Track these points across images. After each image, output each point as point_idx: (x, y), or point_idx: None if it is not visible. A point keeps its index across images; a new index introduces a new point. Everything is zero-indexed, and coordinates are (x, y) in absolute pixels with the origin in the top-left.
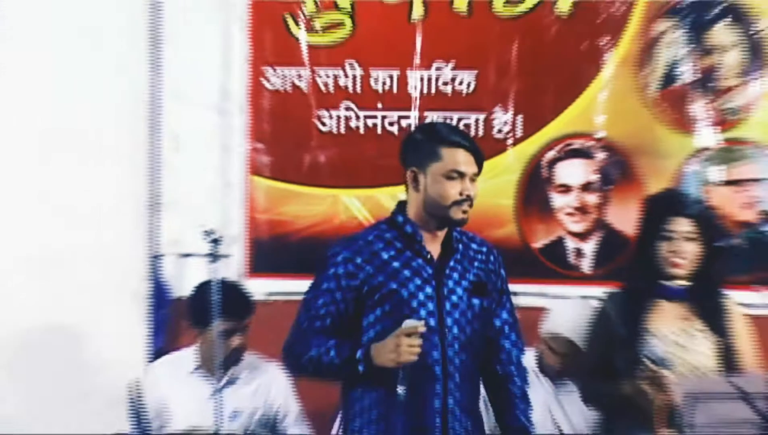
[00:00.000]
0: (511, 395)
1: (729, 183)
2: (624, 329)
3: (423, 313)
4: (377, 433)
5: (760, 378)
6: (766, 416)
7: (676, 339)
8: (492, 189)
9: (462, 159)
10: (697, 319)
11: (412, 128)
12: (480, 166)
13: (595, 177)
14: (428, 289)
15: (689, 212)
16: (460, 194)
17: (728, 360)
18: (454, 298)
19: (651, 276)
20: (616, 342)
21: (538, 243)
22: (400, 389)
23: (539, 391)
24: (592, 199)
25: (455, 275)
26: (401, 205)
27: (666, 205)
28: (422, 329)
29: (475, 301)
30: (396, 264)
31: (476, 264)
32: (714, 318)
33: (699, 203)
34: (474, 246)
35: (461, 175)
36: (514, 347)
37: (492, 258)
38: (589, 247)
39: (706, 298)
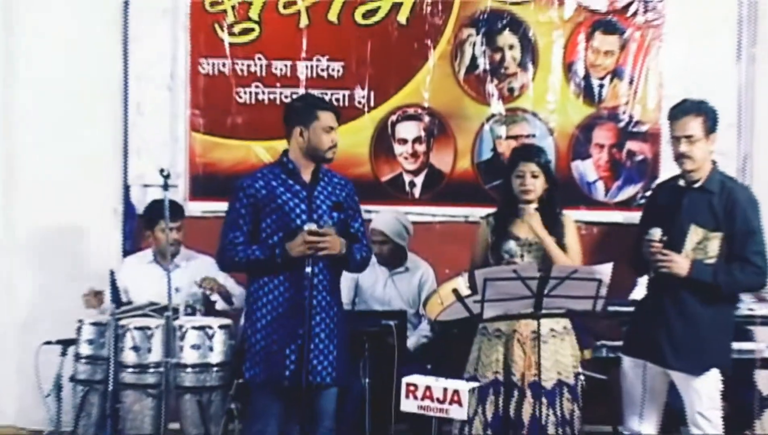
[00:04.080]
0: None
1: (510, 137)
2: (494, 236)
3: (298, 221)
4: (274, 300)
5: (533, 265)
6: (532, 290)
7: (530, 241)
8: (354, 142)
9: (332, 118)
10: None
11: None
12: (339, 122)
13: (422, 133)
14: (303, 206)
15: (534, 158)
16: (332, 142)
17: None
18: (320, 211)
19: (511, 202)
20: (490, 245)
21: (385, 177)
22: (308, 269)
23: (379, 274)
24: (420, 148)
25: (321, 196)
26: (285, 152)
27: (519, 154)
28: (320, 230)
29: (335, 214)
30: (282, 189)
31: (338, 191)
32: (554, 227)
33: (542, 152)
34: (335, 180)
35: (332, 129)
36: (364, 247)
37: (348, 188)
38: (419, 180)
39: (549, 216)
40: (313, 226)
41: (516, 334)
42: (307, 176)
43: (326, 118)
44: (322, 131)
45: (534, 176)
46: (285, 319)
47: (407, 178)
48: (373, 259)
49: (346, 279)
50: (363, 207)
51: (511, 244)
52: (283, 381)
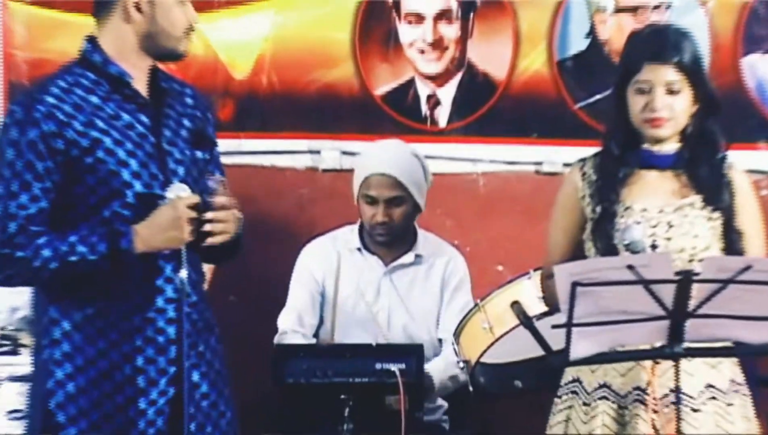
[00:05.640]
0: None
1: (621, 10)
2: (596, 202)
3: (146, 175)
4: (101, 335)
5: (665, 257)
6: (666, 305)
7: (662, 217)
8: (324, 19)
9: None
10: (689, 190)
11: None
12: None
13: (453, 3)
14: (148, 146)
15: (672, 56)
16: (189, 22)
17: (729, 239)
18: (177, 153)
19: (628, 138)
20: (589, 220)
21: (382, 88)
22: (183, 273)
23: (366, 272)
24: (449, 32)
25: (171, 124)
26: (93, 42)
27: (641, 48)
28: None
29: (198, 153)
30: (102, 116)
31: (188, 109)
32: (715, 192)
33: (686, 42)
34: (176, 86)
35: None
36: None
37: (201, 101)
38: (446, 93)
39: (701, 165)
40: (185, 191)
41: (639, 394)
42: (142, 87)
43: None
44: (176, 3)
45: (671, 91)
46: (129, 368)
47: (424, 89)
48: (355, 243)
49: (308, 286)
50: (344, 144)
51: (634, 229)
52: None
